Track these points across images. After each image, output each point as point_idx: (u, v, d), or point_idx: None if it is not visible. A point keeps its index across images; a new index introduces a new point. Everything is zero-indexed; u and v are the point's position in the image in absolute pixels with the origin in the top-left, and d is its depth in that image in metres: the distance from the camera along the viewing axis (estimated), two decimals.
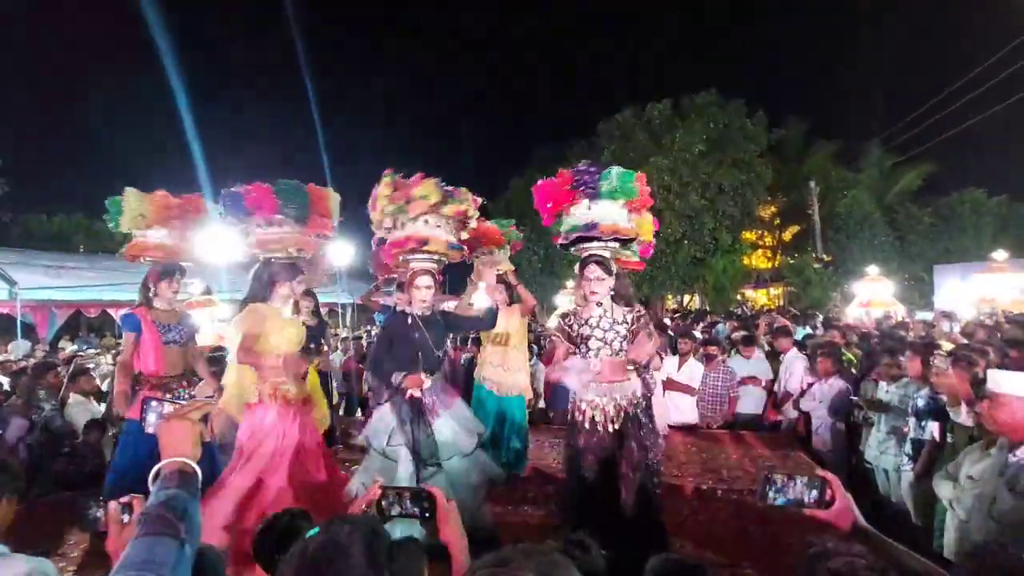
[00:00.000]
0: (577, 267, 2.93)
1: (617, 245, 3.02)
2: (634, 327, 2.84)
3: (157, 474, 1.08)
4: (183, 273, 3.68)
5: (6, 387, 4.64)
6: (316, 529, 0.98)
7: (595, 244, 2.94)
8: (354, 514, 1.28)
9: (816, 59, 40.29)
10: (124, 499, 1.45)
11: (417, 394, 3.02)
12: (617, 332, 2.83)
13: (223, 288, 7.72)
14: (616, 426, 2.74)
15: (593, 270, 2.80)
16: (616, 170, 2.88)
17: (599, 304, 2.83)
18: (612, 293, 2.88)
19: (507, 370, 4.36)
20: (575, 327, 2.90)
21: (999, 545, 1.55)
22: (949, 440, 3.05)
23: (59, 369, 4.60)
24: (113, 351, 8.88)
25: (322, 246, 3.67)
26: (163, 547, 0.93)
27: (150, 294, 3.55)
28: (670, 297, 20.60)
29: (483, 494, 3.17)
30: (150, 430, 1.38)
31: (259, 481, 2.89)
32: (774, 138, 18.00)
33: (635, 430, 2.73)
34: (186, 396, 3.47)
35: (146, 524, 0.96)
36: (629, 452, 2.69)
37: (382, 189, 3.20)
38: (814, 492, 1.28)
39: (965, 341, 4.78)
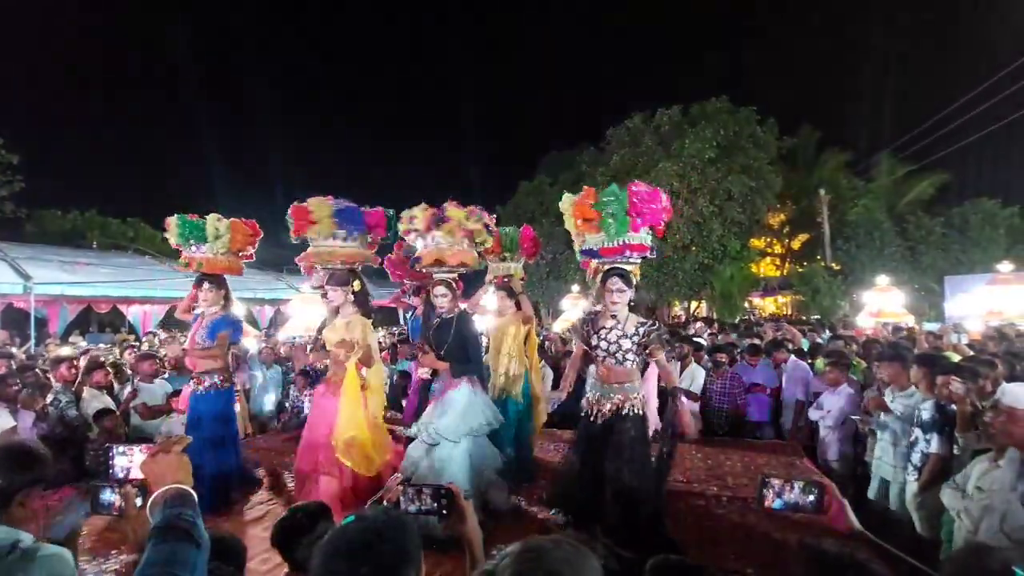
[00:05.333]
0: (598, 278, 3.04)
1: (638, 259, 3.11)
2: (644, 339, 2.98)
3: (156, 502, 1.14)
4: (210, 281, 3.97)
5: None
6: (352, 517, 1.02)
7: (618, 258, 3.05)
8: (386, 506, 1.31)
9: (828, 68, 40.13)
10: (138, 481, 1.47)
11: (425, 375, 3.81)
12: (621, 344, 2.99)
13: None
14: (608, 419, 2.97)
15: (615, 282, 2.94)
16: (609, 190, 2.97)
17: (613, 316, 3.00)
18: (632, 304, 3.04)
19: (505, 376, 4.27)
20: (590, 332, 3.10)
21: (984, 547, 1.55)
22: (956, 452, 3.02)
23: (73, 362, 4.66)
24: (120, 345, 8.95)
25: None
26: (183, 549, 1.02)
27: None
28: (676, 303, 20.51)
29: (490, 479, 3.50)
30: (120, 475, 1.44)
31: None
32: (784, 146, 17.94)
33: (623, 425, 2.93)
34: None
35: (163, 532, 1.04)
36: (616, 445, 2.90)
37: (413, 211, 3.68)
38: (811, 497, 1.30)
39: (971, 353, 4.75)
